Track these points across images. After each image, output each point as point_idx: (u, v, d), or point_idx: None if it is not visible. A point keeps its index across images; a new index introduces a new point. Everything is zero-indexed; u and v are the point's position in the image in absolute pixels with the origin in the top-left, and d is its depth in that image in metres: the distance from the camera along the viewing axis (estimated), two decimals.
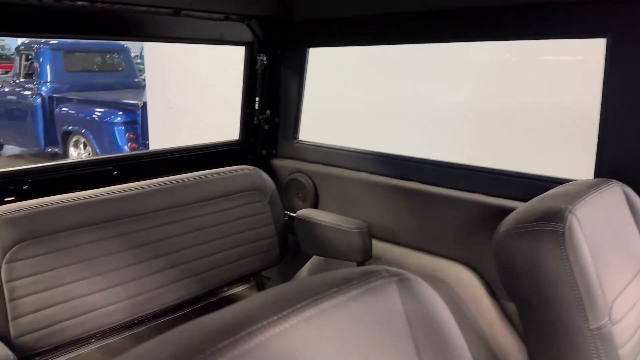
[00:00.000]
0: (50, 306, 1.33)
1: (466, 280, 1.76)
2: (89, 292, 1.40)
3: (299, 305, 0.58)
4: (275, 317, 0.55)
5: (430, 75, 2.68)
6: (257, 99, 2.30)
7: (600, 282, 1.04)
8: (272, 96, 2.33)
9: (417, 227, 1.92)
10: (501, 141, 2.43)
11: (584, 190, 1.19)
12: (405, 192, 1.94)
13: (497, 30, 1.67)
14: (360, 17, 2.01)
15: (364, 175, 2.08)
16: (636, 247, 1.26)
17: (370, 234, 1.86)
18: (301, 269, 2.16)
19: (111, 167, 1.93)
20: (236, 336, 0.52)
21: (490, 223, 1.73)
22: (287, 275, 2.31)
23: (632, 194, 1.34)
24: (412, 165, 1.97)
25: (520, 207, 1.16)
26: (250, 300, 0.61)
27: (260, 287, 1.97)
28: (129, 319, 1.48)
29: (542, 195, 1.21)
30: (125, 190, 1.57)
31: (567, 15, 1.52)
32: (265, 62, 2.23)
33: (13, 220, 1.33)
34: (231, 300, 2.36)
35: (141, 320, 1.57)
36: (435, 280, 1.76)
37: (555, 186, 1.50)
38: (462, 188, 1.82)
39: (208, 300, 2.12)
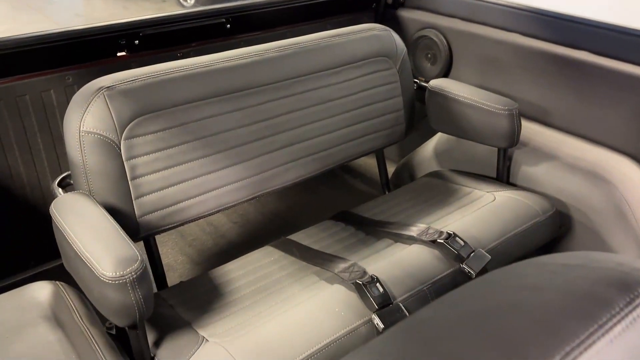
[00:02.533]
0: (173, 185, 1.26)
1: (636, 179, 1.46)
2: (210, 171, 1.31)
3: (568, 348, 0.38)
4: None
5: None
6: None
7: None
8: None
9: (580, 108, 1.58)
10: None
11: None
12: (569, 63, 1.57)
13: None
14: None
15: (515, 38, 1.70)
16: None
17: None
18: (425, 144, 1.94)
19: (224, 19, 1.72)
20: None
21: None
22: (405, 144, 2.11)
23: None
24: (582, 29, 1.56)
25: None
26: None
27: (381, 162, 1.79)
28: (250, 197, 1.40)
29: None
30: (244, 57, 1.38)
31: None
32: None
33: (129, 92, 1.20)
34: (348, 168, 2.24)
35: None
36: (594, 176, 1.48)
37: None
38: None
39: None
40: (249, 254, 1.36)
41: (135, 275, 0.93)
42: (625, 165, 1.49)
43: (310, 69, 1.46)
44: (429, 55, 1.99)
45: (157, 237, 1.82)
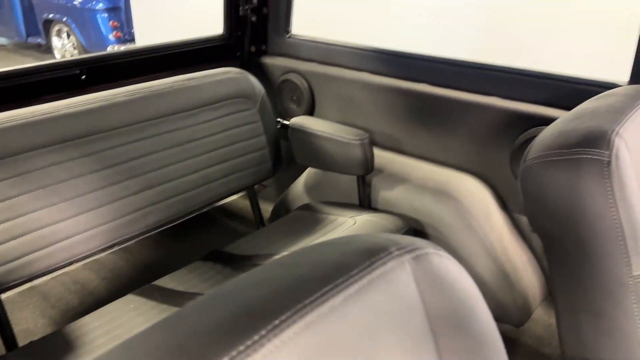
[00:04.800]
0: (16, 237, 1.19)
1: (477, 193, 1.61)
2: (57, 220, 1.26)
3: (299, 305, 0.42)
4: (275, 323, 0.40)
5: None
6: None
7: None
8: None
9: (425, 134, 1.73)
10: (521, 35, 2.15)
11: (630, 102, 0.98)
12: (412, 95, 1.72)
13: None
14: None
15: (365, 76, 1.84)
16: None
17: (373, 142, 1.67)
18: (297, 180, 2.01)
19: (78, 71, 1.70)
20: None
21: (506, 130, 1.54)
22: (283, 183, 2.16)
23: None
24: (420, 65, 1.73)
25: (553, 127, 0.95)
26: (236, 296, 0.45)
27: (253, 200, 1.82)
28: (106, 245, 1.35)
29: (580, 109, 1.00)
30: (91, 102, 1.36)
31: None
32: None
33: None
34: (224, 210, 2.24)
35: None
36: (442, 194, 1.60)
37: (585, 89, 1.29)
38: (477, 91, 1.61)
39: (200, 211, 2.00)
40: (107, 305, 1.30)
41: None
42: (468, 182, 1.63)
43: (163, 112, 1.47)
44: (294, 97, 2.09)
45: (15, 301, 1.69)
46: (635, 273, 0.84)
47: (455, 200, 1.59)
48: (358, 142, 1.59)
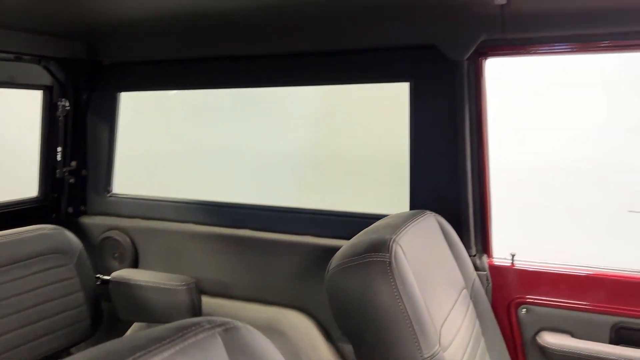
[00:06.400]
0: None
1: (302, 327, 1.70)
2: None
3: None
4: None
5: (254, 120, 2.67)
6: (59, 149, 2.03)
7: (428, 309, 1.05)
8: (78, 146, 2.07)
9: (250, 277, 1.82)
10: (327, 184, 2.49)
11: (403, 221, 1.23)
12: (235, 241, 1.84)
13: (311, 75, 1.72)
14: (172, 60, 1.91)
15: (189, 227, 1.92)
16: (453, 271, 1.33)
17: (200, 290, 1.69)
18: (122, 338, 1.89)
19: None
20: None
21: (320, 264, 1.72)
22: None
23: (444, 222, 1.43)
24: (241, 212, 1.88)
25: (347, 243, 1.14)
26: None
27: None
28: None
29: (367, 229, 1.22)
30: None
31: (375, 62, 1.62)
32: (67, 108, 1.98)
33: None
34: None
35: None
36: (271, 331, 1.66)
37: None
38: (292, 231, 1.79)
39: None
40: None
41: None
42: (293, 317, 1.72)
43: None
44: (116, 255, 2.05)
45: None
46: (426, 355, 0.98)
47: (282, 335, 1.65)
48: (184, 287, 1.61)
